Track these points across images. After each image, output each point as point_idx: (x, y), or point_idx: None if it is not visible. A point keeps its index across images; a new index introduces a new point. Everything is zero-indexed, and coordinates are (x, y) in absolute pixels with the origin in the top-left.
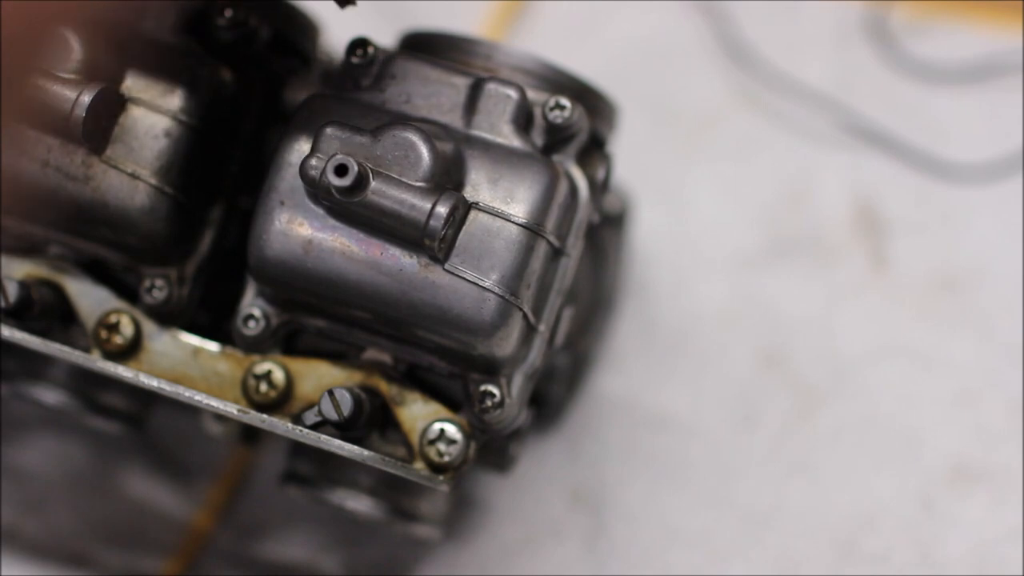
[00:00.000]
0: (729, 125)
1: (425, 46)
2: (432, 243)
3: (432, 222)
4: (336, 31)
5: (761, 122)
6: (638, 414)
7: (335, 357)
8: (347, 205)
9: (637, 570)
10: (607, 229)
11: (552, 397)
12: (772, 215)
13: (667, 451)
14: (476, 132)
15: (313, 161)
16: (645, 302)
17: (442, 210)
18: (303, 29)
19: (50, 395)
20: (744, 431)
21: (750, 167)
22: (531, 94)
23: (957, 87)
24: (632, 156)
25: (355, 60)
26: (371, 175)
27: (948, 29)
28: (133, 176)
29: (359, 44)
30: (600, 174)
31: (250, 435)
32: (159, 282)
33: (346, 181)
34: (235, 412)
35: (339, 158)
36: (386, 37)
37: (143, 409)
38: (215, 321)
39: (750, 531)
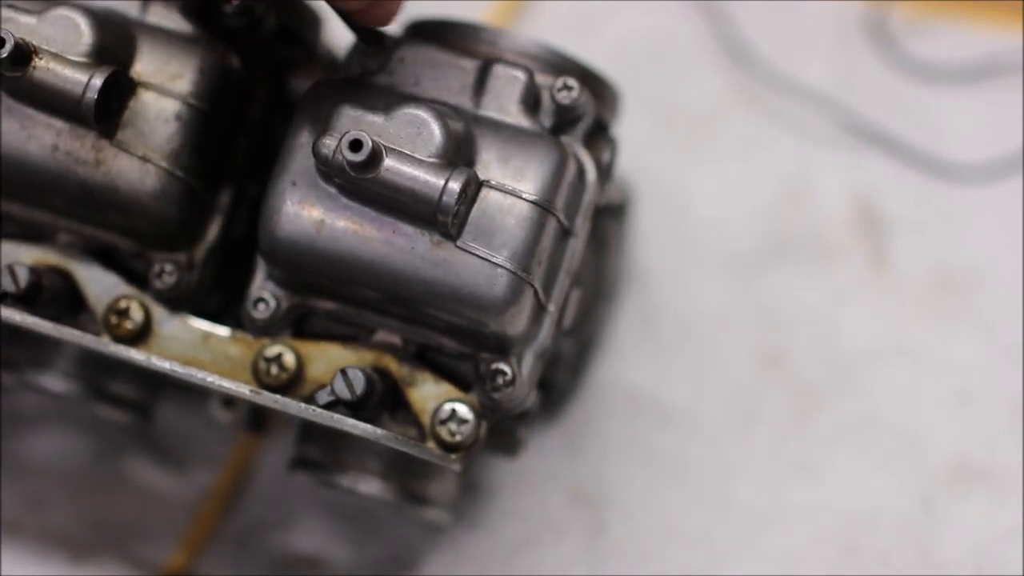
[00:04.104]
0: (729, 125)
1: (430, 33)
2: (445, 219)
3: (445, 198)
4: (337, 25)
5: (761, 122)
6: (639, 412)
7: (345, 339)
8: (360, 182)
9: (637, 569)
10: (608, 219)
11: (557, 384)
12: (772, 215)
13: (667, 450)
14: (485, 113)
15: (326, 139)
16: (645, 301)
17: (455, 186)
18: (306, 19)
19: (58, 384)
20: (744, 430)
21: (750, 167)
22: (537, 77)
23: (957, 87)
24: (632, 155)
25: (364, 46)
26: (384, 151)
27: (948, 29)
28: (144, 159)
29: (369, 32)
30: (605, 157)
31: (257, 423)
32: (168, 267)
33: (361, 156)
34: (248, 393)
35: (353, 133)
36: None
37: (150, 398)
38: (224, 307)
39: (750, 531)
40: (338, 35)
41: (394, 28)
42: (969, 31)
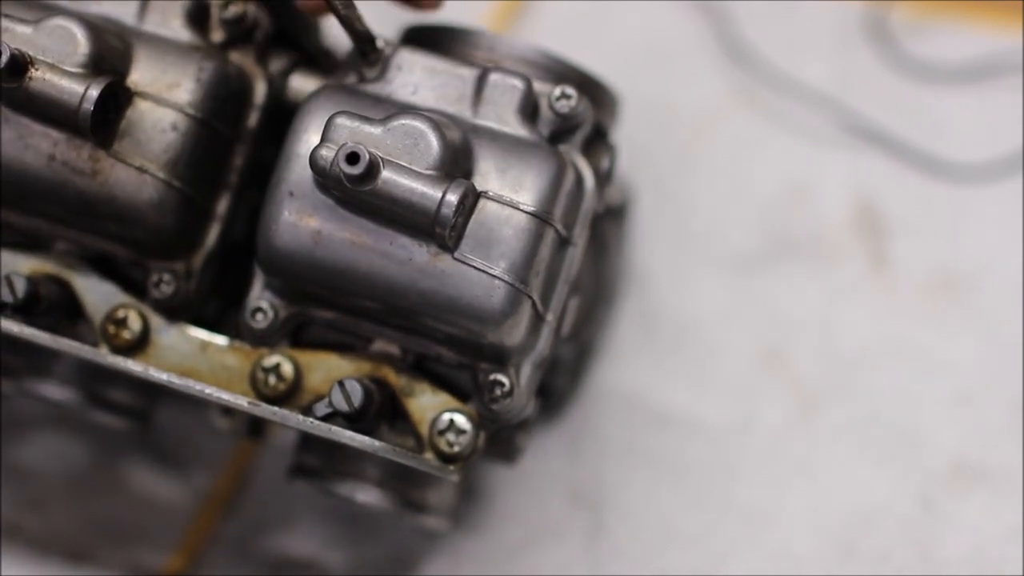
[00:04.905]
0: (729, 125)
1: (427, 39)
2: (443, 231)
3: (443, 210)
4: (336, 26)
5: (761, 122)
6: (638, 413)
7: (343, 349)
8: (358, 194)
9: (637, 570)
10: (608, 221)
11: (556, 388)
12: (772, 215)
13: (667, 451)
14: (483, 122)
15: (323, 151)
16: (646, 301)
17: (453, 198)
18: (304, 24)
19: (57, 391)
20: (744, 431)
21: (750, 167)
22: (536, 85)
23: (957, 87)
24: (632, 156)
25: (361, 54)
26: (382, 163)
27: (948, 29)
28: (141, 170)
29: (366, 40)
30: (604, 164)
31: (256, 430)
32: (166, 276)
33: (357, 169)
34: (246, 405)
35: (350, 146)
36: (386, 34)
37: (148, 404)
38: (223, 312)
39: (750, 531)
40: (336, 39)
41: (391, 33)
42: (969, 31)
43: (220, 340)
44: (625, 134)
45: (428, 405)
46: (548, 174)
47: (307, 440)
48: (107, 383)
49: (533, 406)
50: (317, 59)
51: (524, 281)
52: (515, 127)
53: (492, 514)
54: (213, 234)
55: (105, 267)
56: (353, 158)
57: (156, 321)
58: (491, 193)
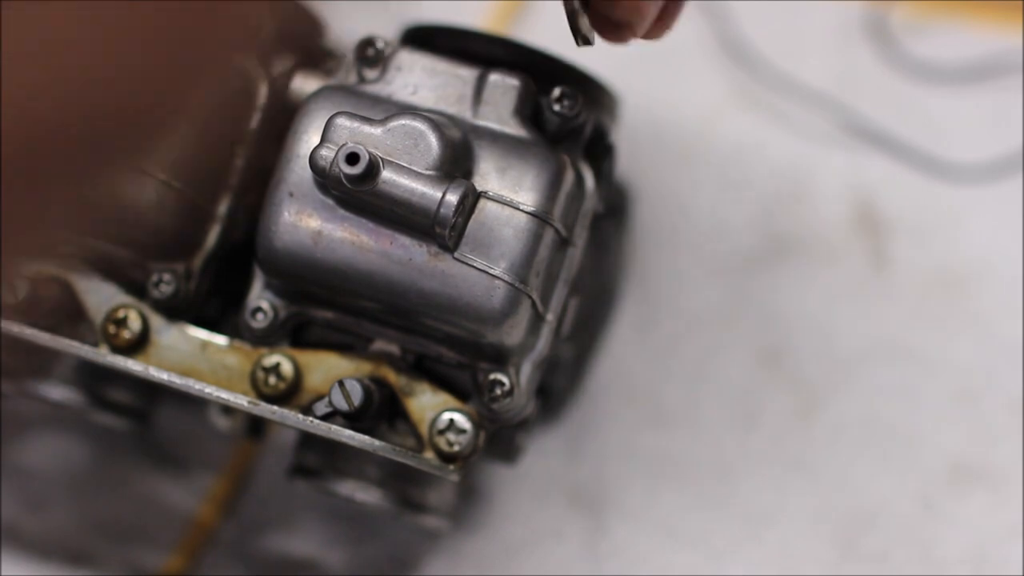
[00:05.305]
0: (729, 125)
1: (427, 39)
2: (443, 231)
3: (443, 210)
4: (336, 26)
5: (761, 122)
6: (638, 413)
7: (343, 349)
8: (357, 194)
9: (637, 569)
10: (608, 221)
11: (556, 388)
12: (772, 215)
13: (666, 450)
14: (483, 122)
15: (323, 151)
16: (644, 301)
17: (452, 198)
18: (307, 24)
19: (56, 391)
20: (744, 430)
21: (750, 167)
22: (536, 85)
23: (957, 87)
24: (632, 155)
25: (362, 55)
26: (382, 164)
27: (948, 29)
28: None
29: (367, 43)
30: (605, 164)
31: (256, 429)
32: (166, 276)
33: (357, 169)
34: (246, 404)
35: (350, 146)
36: (386, 34)
37: (149, 404)
38: (223, 312)
39: (750, 531)
40: (337, 40)
41: (391, 33)
42: (969, 31)
43: (220, 339)
44: (625, 134)
45: (428, 405)
46: (548, 174)
47: (307, 440)
48: (107, 383)
49: (533, 406)
50: (318, 60)
51: (524, 281)
52: (515, 127)
53: (492, 514)
54: (213, 235)
55: (106, 268)
56: (353, 158)
57: (156, 321)
58: (491, 193)
